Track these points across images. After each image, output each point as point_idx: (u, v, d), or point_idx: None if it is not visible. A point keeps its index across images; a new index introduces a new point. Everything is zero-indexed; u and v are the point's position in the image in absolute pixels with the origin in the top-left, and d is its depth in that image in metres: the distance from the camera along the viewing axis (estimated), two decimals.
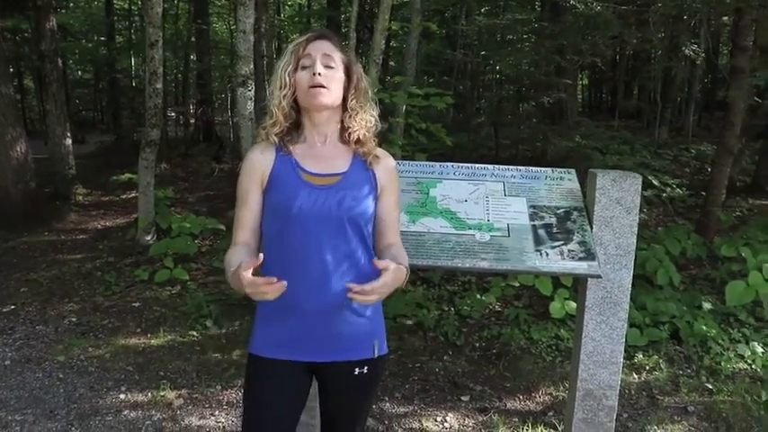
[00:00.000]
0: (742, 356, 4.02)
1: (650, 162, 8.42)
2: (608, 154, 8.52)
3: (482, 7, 13.02)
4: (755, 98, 6.57)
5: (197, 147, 14.22)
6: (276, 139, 1.76)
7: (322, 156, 1.77)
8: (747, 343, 4.15)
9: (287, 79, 1.72)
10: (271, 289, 1.49)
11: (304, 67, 1.72)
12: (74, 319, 4.74)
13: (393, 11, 5.95)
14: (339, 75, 1.74)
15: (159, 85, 6.45)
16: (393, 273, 1.58)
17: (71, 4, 18.12)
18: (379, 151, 1.84)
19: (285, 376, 1.76)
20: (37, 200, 7.88)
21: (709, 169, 7.10)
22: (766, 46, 6.57)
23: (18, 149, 7.54)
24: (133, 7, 16.72)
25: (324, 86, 1.70)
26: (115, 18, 16.91)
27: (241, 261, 1.57)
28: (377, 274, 1.70)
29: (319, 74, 1.69)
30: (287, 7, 20.15)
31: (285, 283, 1.51)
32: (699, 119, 14.44)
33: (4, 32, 10.53)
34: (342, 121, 1.79)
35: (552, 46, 8.29)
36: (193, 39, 15.04)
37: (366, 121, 1.79)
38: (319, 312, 1.71)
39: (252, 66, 5.09)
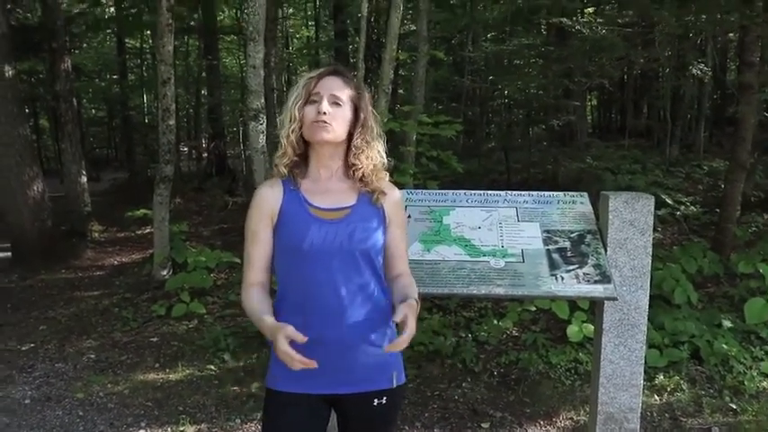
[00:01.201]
0: (765, 375, 3.96)
1: (663, 180, 8.38)
2: (620, 174, 8.48)
3: (488, 33, 13.15)
4: (765, 113, 6.56)
5: (210, 181, 14.35)
6: (285, 171, 1.79)
7: (329, 190, 1.80)
8: None
9: (296, 113, 1.76)
10: (299, 365, 1.57)
11: (312, 103, 1.76)
12: (92, 356, 4.77)
13: (400, 40, 6.03)
14: (345, 113, 1.77)
15: (172, 122, 6.55)
16: (412, 317, 1.65)
17: (84, 45, 18.51)
18: (385, 185, 1.85)
19: (304, 410, 1.77)
20: (53, 237, 7.96)
21: (723, 185, 7.06)
22: None
23: (35, 188, 7.66)
24: (144, 45, 17.04)
25: (327, 123, 1.73)
26: (127, 57, 17.23)
27: (264, 309, 1.71)
28: (391, 304, 1.78)
29: (324, 112, 1.73)
30: (295, 40, 20.45)
31: (316, 365, 1.58)
32: (710, 135, 14.40)
33: (21, 75, 10.76)
34: (347, 158, 1.82)
35: (559, 69, 8.34)
36: (204, 74, 15.29)
37: (371, 158, 1.81)
38: (336, 345, 1.72)
39: (263, 100, 5.15)
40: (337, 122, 1.75)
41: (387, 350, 1.66)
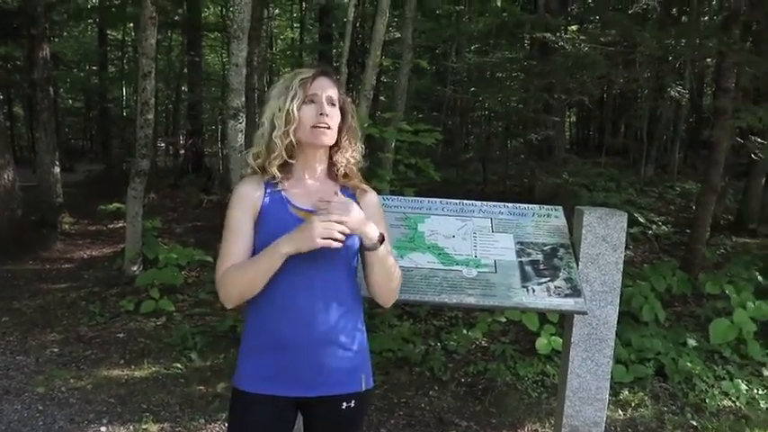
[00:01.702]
0: (726, 393, 4.03)
1: (636, 199, 8.49)
2: (595, 191, 8.58)
3: (472, 45, 13.24)
4: (738, 138, 6.69)
5: (186, 177, 14.21)
6: (276, 171, 1.76)
7: (310, 191, 1.79)
8: (732, 380, 4.16)
9: (296, 114, 1.73)
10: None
11: (309, 103, 1.74)
12: (56, 350, 4.68)
13: (385, 47, 6.04)
14: (338, 114, 1.78)
15: (151, 116, 6.48)
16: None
17: (65, 34, 18.25)
18: (364, 186, 1.88)
19: (270, 411, 1.75)
20: (23, 228, 7.82)
21: (694, 207, 7.19)
22: (748, 88, 6.72)
23: (6, 177, 7.51)
24: (126, 38, 16.87)
25: (328, 127, 1.74)
26: (108, 48, 17.03)
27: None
28: (360, 308, 1.78)
29: (327, 114, 1.73)
30: (279, 41, 20.39)
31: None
32: (684, 157, 14.66)
33: None
34: (331, 157, 1.82)
35: (541, 84, 8.42)
36: (186, 70, 15.16)
37: (353, 157, 1.83)
38: (306, 347, 1.71)
39: (243, 99, 5.12)
40: (334, 124, 1.76)
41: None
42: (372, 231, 1.69)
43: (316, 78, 1.76)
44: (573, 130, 21.90)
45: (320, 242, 1.58)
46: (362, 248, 1.73)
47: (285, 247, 1.62)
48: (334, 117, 1.76)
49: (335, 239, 1.59)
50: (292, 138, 1.74)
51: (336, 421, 1.79)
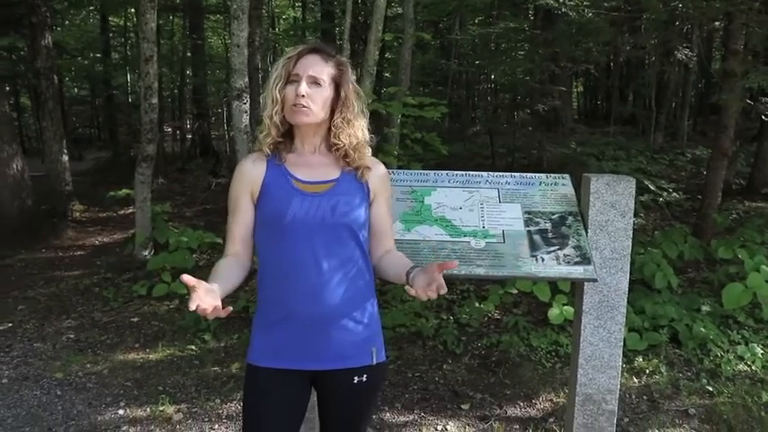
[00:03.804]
0: (742, 358, 4.02)
1: (646, 167, 8.42)
2: (604, 160, 8.51)
3: (476, 17, 13.09)
4: (748, 101, 6.60)
5: (193, 161, 14.24)
6: (269, 150, 1.78)
7: (313, 164, 1.79)
8: (747, 344, 4.15)
9: (277, 95, 1.74)
10: (205, 305, 1.48)
11: (291, 83, 1.73)
12: (72, 336, 4.73)
13: (387, 22, 5.98)
14: (325, 93, 1.75)
15: (155, 100, 6.47)
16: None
17: (66, 22, 18.19)
18: (370, 160, 1.85)
19: (283, 386, 1.76)
20: (34, 217, 7.87)
21: (705, 173, 7.12)
22: (757, 49, 6.61)
23: (15, 167, 7.55)
24: (128, 24, 16.78)
25: (305, 106, 1.72)
26: (110, 35, 16.96)
27: (217, 276, 1.68)
28: (374, 280, 1.79)
29: (302, 95, 1.71)
30: (281, 21, 20.24)
31: (223, 311, 1.51)
32: (693, 123, 14.51)
33: (1, 51, 10.56)
34: (329, 135, 1.81)
35: (546, 54, 8.33)
36: (189, 54, 15.10)
37: (353, 136, 1.79)
38: (317, 320, 1.71)
39: (246, 79, 5.10)
40: (316, 104, 1.73)
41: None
42: None
43: (301, 57, 1.75)
44: (580, 99, 21.71)
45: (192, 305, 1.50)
46: (407, 280, 1.70)
47: None
48: (315, 97, 1.73)
49: None
50: (276, 118, 1.75)
51: (349, 395, 1.80)
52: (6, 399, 3.70)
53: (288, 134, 1.81)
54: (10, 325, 4.97)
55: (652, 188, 7.41)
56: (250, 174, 1.77)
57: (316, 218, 1.70)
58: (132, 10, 14.31)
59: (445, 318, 4.80)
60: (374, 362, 1.79)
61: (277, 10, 19.36)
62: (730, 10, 5.60)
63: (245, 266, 1.79)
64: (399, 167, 4.41)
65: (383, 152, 4.66)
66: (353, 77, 1.86)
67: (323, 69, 1.75)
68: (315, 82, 1.73)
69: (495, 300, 4.83)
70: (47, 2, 9.69)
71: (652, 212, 7.60)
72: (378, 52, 5.64)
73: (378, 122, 5.98)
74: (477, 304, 4.94)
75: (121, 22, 17.23)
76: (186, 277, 1.46)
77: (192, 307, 1.46)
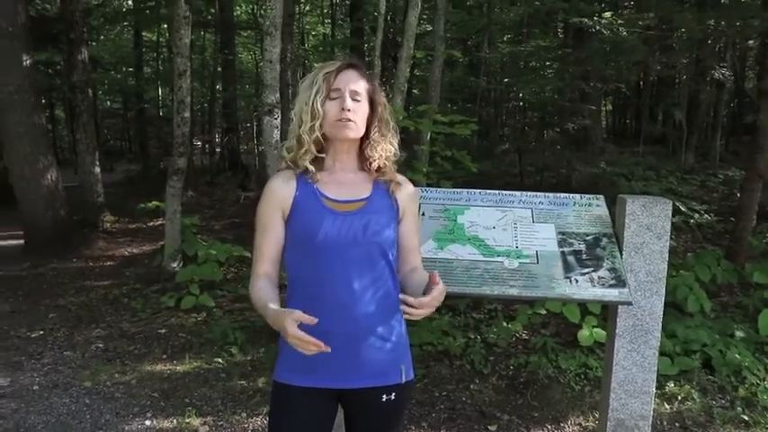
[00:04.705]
0: None
1: (677, 188, 8.31)
2: (634, 180, 8.42)
3: (505, 35, 13.09)
4: None
5: (222, 175, 14.39)
6: (309, 165, 1.76)
7: (343, 182, 1.78)
8: None
9: (319, 109, 1.72)
10: (313, 349, 1.50)
11: (333, 98, 1.73)
12: (101, 345, 4.78)
13: (417, 39, 6.00)
14: (364, 107, 1.76)
15: (187, 114, 6.56)
16: (442, 288, 1.57)
17: (102, 37, 18.61)
18: (400, 178, 1.86)
19: (310, 404, 1.75)
20: (66, 227, 8.00)
21: (738, 194, 6.99)
22: None
23: (49, 178, 7.70)
24: (161, 39, 17.11)
25: (351, 120, 1.72)
26: (143, 50, 17.30)
27: (270, 297, 1.65)
28: (399, 299, 1.73)
29: (348, 109, 1.71)
30: (311, 37, 20.46)
31: (327, 349, 1.51)
32: (726, 143, 14.29)
33: (38, 65, 10.83)
34: (362, 150, 1.81)
35: (576, 72, 8.29)
36: (220, 69, 15.31)
37: (386, 150, 1.80)
38: (346, 339, 1.70)
39: (278, 95, 5.14)
40: (359, 118, 1.74)
41: (404, 307, 1.53)
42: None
43: (340, 72, 1.74)
44: (609, 118, 21.54)
45: (291, 341, 1.52)
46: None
47: (270, 320, 1.61)
48: (358, 111, 1.73)
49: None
50: (318, 133, 1.73)
51: (377, 414, 1.78)
52: (37, 405, 3.74)
53: (319, 151, 1.80)
54: (41, 332, 5.04)
55: (683, 209, 7.31)
56: (281, 192, 1.76)
57: (348, 237, 1.70)
58: (165, 26, 14.61)
59: (473, 337, 4.76)
60: (403, 380, 1.78)
61: (307, 26, 19.58)
62: (767, 29, 5.53)
63: (276, 286, 1.79)
64: (428, 185, 4.41)
65: (412, 169, 4.65)
66: (383, 92, 1.86)
67: (361, 84, 1.76)
68: (355, 97, 1.74)
69: (523, 320, 4.77)
70: (84, 18, 9.93)
71: (683, 234, 7.47)
72: (408, 69, 5.66)
73: (407, 139, 5.99)
74: (504, 324, 4.89)
75: (154, 38, 17.57)
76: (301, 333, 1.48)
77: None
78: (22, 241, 7.87)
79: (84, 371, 4.28)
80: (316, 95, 1.73)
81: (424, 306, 1.53)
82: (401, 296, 1.56)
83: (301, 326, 1.73)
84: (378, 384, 1.75)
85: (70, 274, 6.94)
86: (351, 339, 1.71)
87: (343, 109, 1.71)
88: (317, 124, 1.73)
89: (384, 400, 1.76)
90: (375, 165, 1.79)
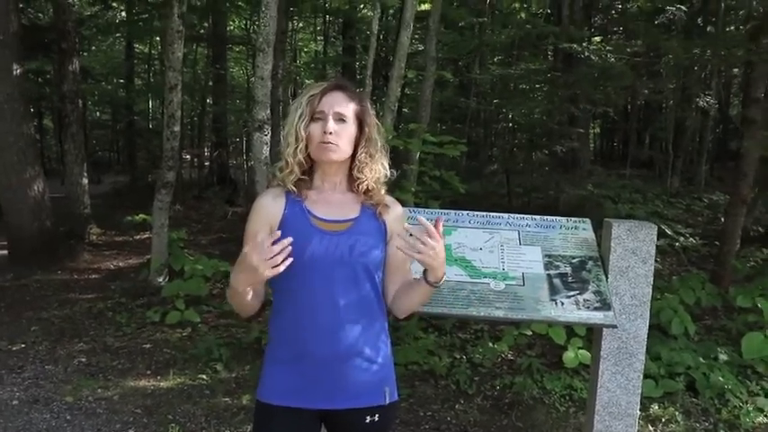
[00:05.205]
0: (761, 410, 3.93)
1: (663, 211, 8.38)
2: (620, 203, 8.49)
3: (495, 57, 13.22)
4: None
5: (210, 189, 14.36)
6: (292, 187, 1.78)
7: (332, 202, 1.79)
8: (767, 396, 4.06)
9: (302, 133, 1.74)
10: (279, 258, 1.51)
11: (317, 120, 1.74)
12: (83, 360, 4.73)
13: (408, 59, 6.06)
14: (350, 129, 1.77)
15: (177, 128, 6.56)
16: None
17: (93, 48, 18.58)
18: (388, 199, 1.86)
19: (293, 424, 1.74)
20: (51, 238, 7.93)
21: (723, 219, 7.07)
22: None
23: (35, 188, 7.64)
24: (153, 51, 17.13)
25: (333, 143, 1.73)
26: (135, 61, 17.30)
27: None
28: (384, 320, 1.79)
29: (330, 132, 1.72)
30: (303, 54, 20.56)
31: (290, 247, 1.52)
32: (711, 169, 14.45)
33: (29, 74, 10.80)
34: (351, 171, 1.82)
35: (565, 95, 8.38)
36: (211, 83, 15.33)
37: (375, 171, 1.81)
38: (330, 359, 1.71)
39: (268, 111, 5.17)
40: (343, 140, 1.75)
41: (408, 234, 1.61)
42: (443, 269, 1.69)
43: (325, 94, 1.76)
44: (597, 141, 21.74)
45: (267, 273, 1.52)
46: (425, 278, 1.74)
47: (235, 277, 1.61)
48: (342, 133, 1.74)
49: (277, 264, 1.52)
50: (300, 156, 1.75)
51: None
52: (16, 421, 3.69)
53: (308, 171, 1.82)
54: (23, 346, 4.98)
55: (669, 233, 7.37)
56: (270, 208, 1.77)
57: (334, 256, 1.70)
58: (158, 38, 14.62)
59: (458, 357, 4.76)
60: (386, 402, 1.78)
61: (300, 43, 19.67)
62: (752, 59, 5.64)
63: (261, 298, 1.78)
64: (416, 205, 4.43)
65: (400, 188, 4.67)
66: (373, 112, 1.88)
67: (348, 106, 1.77)
68: (340, 119, 1.75)
69: (509, 341, 4.78)
70: (76, 28, 9.93)
71: (668, 257, 7.53)
72: (399, 88, 5.70)
73: (396, 158, 6.03)
74: (490, 344, 4.89)
75: (146, 50, 17.58)
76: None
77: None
78: (5, 252, 7.79)
79: (65, 386, 4.22)
80: (299, 119, 1.75)
81: (431, 233, 1.60)
82: (406, 225, 1.67)
83: (284, 345, 1.76)
84: (361, 405, 1.75)
85: (54, 286, 6.88)
86: (335, 360, 1.71)
87: (324, 132, 1.72)
88: (301, 147, 1.75)
89: (368, 421, 1.76)
90: (363, 186, 1.80)
